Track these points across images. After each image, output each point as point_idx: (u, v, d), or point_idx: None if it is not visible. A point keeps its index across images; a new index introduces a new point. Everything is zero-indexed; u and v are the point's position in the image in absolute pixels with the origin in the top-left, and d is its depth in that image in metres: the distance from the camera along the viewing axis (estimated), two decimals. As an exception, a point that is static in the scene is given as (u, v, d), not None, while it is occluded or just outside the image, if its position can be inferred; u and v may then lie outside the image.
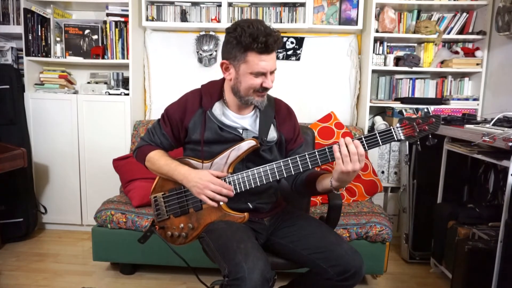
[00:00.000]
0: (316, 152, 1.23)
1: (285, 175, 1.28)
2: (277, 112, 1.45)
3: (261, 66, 1.25)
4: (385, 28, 2.70)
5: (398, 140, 1.21)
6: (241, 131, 1.38)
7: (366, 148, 1.20)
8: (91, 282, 2.19)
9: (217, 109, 1.39)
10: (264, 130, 1.38)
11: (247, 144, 1.33)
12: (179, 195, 1.39)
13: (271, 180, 1.29)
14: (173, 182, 1.40)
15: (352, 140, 1.17)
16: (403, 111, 1.28)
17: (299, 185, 1.43)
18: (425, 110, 1.24)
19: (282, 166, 1.27)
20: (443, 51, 2.76)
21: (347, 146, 1.16)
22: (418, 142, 1.20)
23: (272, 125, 1.41)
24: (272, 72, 1.30)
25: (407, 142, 1.16)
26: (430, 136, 1.19)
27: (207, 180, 1.27)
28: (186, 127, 1.40)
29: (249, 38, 1.21)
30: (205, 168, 1.36)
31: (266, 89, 1.31)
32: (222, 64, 1.33)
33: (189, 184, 1.31)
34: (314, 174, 1.37)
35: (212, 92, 1.41)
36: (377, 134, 1.20)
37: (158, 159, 1.40)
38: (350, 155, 1.16)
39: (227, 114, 1.39)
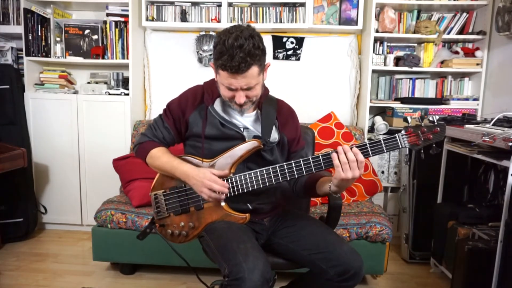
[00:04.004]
0: (320, 156, 1.23)
1: (288, 178, 1.27)
2: (279, 113, 1.45)
3: (228, 82, 1.24)
4: (385, 28, 2.70)
5: (403, 148, 1.21)
6: (242, 129, 1.38)
7: (370, 154, 1.20)
8: (91, 282, 2.19)
9: (218, 105, 1.39)
10: (267, 131, 1.37)
11: (250, 144, 1.32)
12: (180, 193, 1.39)
13: (274, 183, 1.28)
14: (174, 180, 1.40)
15: (351, 148, 1.17)
16: (408, 118, 1.27)
17: (299, 188, 1.43)
18: (430, 119, 1.23)
19: (286, 169, 1.26)
20: (443, 51, 2.76)
21: (345, 154, 1.16)
22: (422, 150, 1.20)
23: (274, 126, 1.41)
24: (248, 89, 1.25)
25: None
26: (434, 145, 1.19)
27: (204, 177, 1.28)
28: (187, 121, 1.40)
29: (218, 54, 1.20)
30: (205, 166, 1.36)
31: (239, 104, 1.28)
32: (211, 65, 1.33)
33: (191, 182, 1.32)
34: (314, 177, 1.37)
35: (213, 88, 1.41)
36: (382, 141, 1.19)
37: (160, 156, 1.39)
38: (349, 163, 1.16)
39: (228, 111, 1.39)
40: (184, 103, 1.41)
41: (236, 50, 1.16)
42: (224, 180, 1.31)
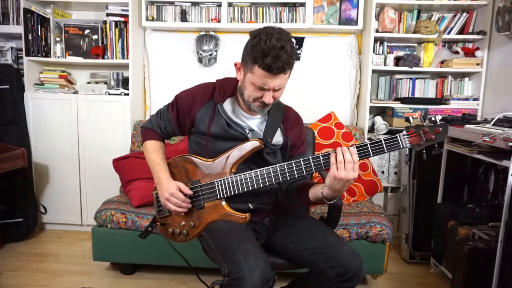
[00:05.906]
0: (321, 156, 1.23)
1: (288, 178, 1.27)
2: (285, 118, 1.46)
3: (262, 82, 1.24)
4: (385, 28, 2.70)
5: (404, 148, 1.19)
6: (247, 130, 1.38)
7: (371, 154, 1.19)
8: (91, 282, 2.19)
9: (228, 104, 1.39)
10: (270, 132, 1.38)
11: (251, 144, 1.33)
12: None
13: (273, 182, 1.28)
14: (175, 179, 1.41)
15: (348, 148, 1.17)
16: (410, 118, 1.26)
17: (292, 192, 1.43)
18: (433, 118, 1.22)
19: (286, 169, 1.26)
20: (443, 51, 2.76)
21: (343, 154, 1.17)
22: (424, 151, 1.18)
23: (279, 129, 1.42)
24: (277, 90, 1.28)
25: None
26: (436, 146, 1.17)
27: (166, 191, 1.34)
28: (193, 117, 1.40)
29: (259, 53, 1.19)
30: (207, 166, 1.37)
31: (266, 103, 1.30)
32: (236, 64, 1.34)
33: (159, 190, 1.39)
34: (308, 182, 1.38)
35: (226, 87, 1.41)
36: (382, 141, 1.18)
37: (150, 151, 1.46)
38: (344, 162, 1.16)
39: (237, 112, 1.39)
40: (192, 98, 1.42)
41: (280, 51, 1.18)
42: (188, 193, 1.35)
